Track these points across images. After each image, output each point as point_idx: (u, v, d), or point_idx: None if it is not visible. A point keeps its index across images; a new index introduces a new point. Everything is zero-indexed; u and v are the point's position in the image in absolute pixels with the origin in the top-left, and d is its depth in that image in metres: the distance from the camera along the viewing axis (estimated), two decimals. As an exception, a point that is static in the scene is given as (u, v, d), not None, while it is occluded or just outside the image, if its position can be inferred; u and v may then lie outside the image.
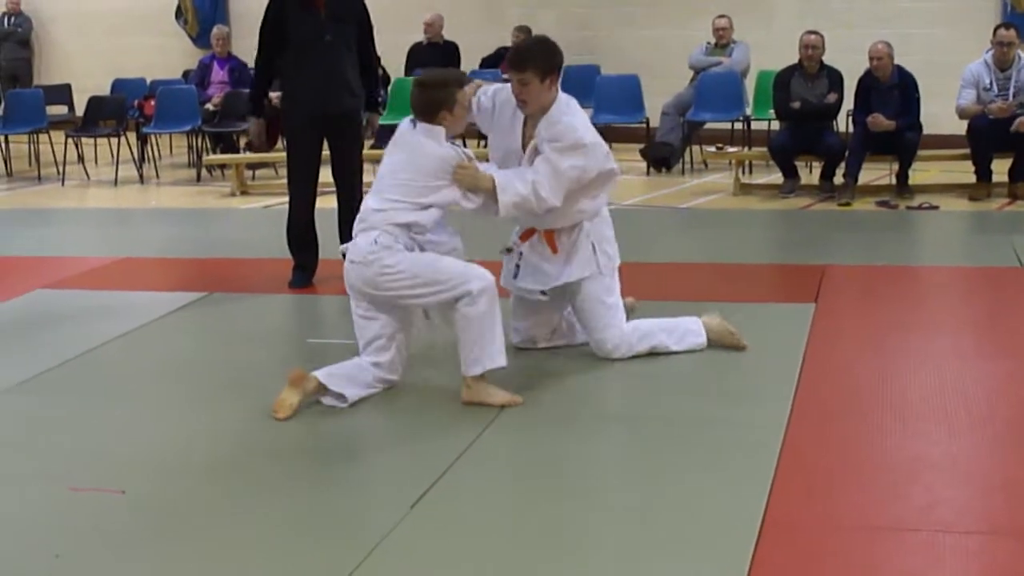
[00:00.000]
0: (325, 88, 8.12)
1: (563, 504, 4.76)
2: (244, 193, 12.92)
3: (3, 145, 15.24)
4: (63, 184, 14.38)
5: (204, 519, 4.74)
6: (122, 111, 14.94)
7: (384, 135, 14.56)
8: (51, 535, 4.61)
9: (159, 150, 15.60)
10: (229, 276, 8.99)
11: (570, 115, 6.18)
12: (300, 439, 5.55)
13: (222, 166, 14.26)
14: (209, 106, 14.68)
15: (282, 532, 4.59)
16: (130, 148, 14.58)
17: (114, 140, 14.76)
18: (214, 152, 14.81)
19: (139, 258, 9.75)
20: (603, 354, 6.42)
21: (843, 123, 12.61)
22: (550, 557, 4.32)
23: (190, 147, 15.25)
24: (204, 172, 14.42)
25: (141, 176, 14.43)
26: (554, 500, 4.80)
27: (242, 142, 14.75)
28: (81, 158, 15.00)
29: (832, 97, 11.83)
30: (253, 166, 14.03)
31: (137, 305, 8.10)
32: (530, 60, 6.09)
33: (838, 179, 11.72)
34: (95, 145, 15.81)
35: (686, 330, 6.57)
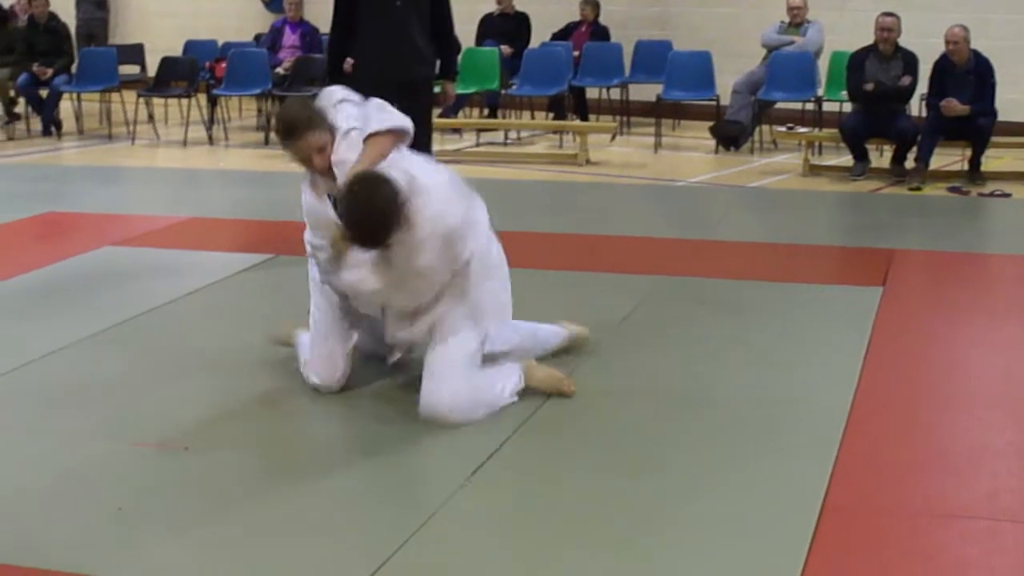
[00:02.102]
0: (394, 55, 8.09)
1: (623, 481, 4.74)
2: (312, 158, 12.90)
3: (75, 103, 15.34)
4: (133, 143, 14.47)
5: (263, 482, 4.77)
6: (193, 72, 14.98)
7: (458, 103, 14.66)
8: (114, 489, 4.65)
9: (228, 112, 15.68)
10: (295, 239, 8.99)
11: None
12: (359, 406, 5.56)
13: (291, 130, 14.26)
14: (279, 70, 14.71)
15: (340, 500, 4.61)
16: (200, 110, 14.64)
17: (184, 101, 14.81)
18: (284, 116, 14.81)
19: (206, 218, 9.79)
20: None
21: (916, 107, 12.49)
22: (608, 534, 4.31)
23: (259, 110, 15.32)
24: (272, 136, 14.47)
25: (210, 138, 14.50)
26: (614, 477, 4.79)
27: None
28: (151, 118, 15.08)
29: (906, 80, 11.71)
30: (322, 131, 14.01)
31: (204, 265, 8.14)
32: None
33: (909, 163, 11.62)
34: (166, 106, 15.90)
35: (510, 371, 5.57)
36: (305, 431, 5.30)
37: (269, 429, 5.30)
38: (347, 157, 5.34)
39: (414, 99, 7.95)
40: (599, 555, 4.15)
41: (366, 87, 8.15)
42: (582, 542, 4.25)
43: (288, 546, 4.23)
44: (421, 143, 8.15)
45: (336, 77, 8.39)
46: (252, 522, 4.40)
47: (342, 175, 5.28)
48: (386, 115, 5.56)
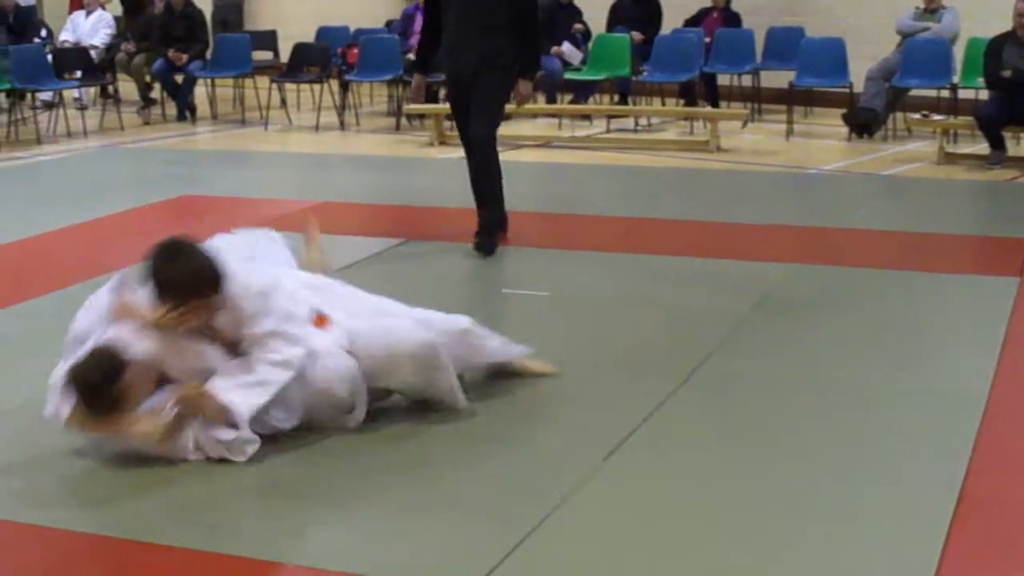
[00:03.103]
0: (460, 47, 7.98)
1: (759, 468, 4.71)
2: (443, 143, 12.98)
3: (210, 88, 15.54)
4: (266, 128, 14.64)
5: (411, 466, 4.82)
6: (326, 58, 15.11)
7: (588, 90, 14.64)
8: (269, 471, 4.71)
9: (360, 98, 15.80)
10: (426, 224, 9.07)
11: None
12: (500, 392, 5.58)
13: (421, 116, 14.38)
14: (411, 56, 14.76)
15: (474, 482, 4.63)
16: (332, 95, 14.76)
17: (317, 87, 14.94)
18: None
19: (338, 203, 9.87)
20: None
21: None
22: (745, 521, 4.29)
23: (391, 96, 15.42)
24: (404, 121, 14.57)
25: (342, 123, 14.62)
26: (749, 464, 4.76)
27: (441, 93, 14.84)
28: (284, 103, 15.24)
29: (1045, 67, 11.50)
30: (452, 116, 14.08)
31: (336, 249, 8.18)
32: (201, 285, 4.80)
33: (1047, 152, 11.43)
34: (298, 91, 16.06)
35: None
36: (446, 417, 5.30)
37: (407, 414, 5.33)
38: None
39: (474, 94, 7.94)
40: (738, 544, 4.12)
41: (445, 77, 8.29)
42: (719, 532, 4.22)
43: (434, 524, 4.28)
44: (473, 142, 8.13)
45: (420, 66, 8.66)
46: (402, 503, 4.45)
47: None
48: None
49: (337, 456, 4.82)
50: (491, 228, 8.11)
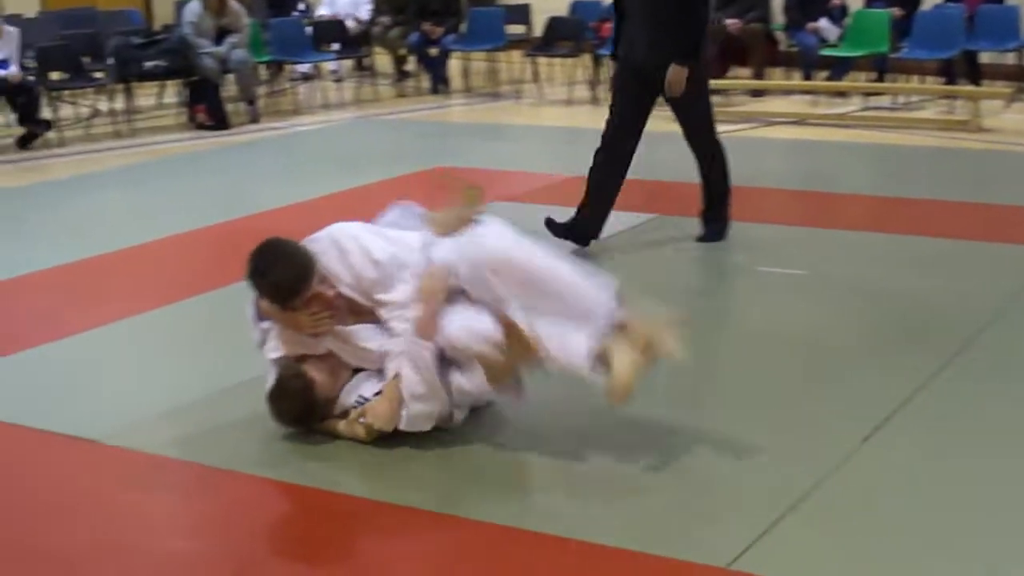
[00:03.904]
0: (628, 41, 7.58)
1: (1013, 460, 4.57)
2: (695, 119, 12.85)
3: (464, 61, 15.69)
4: (518, 101, 14.73)
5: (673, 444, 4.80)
6: (579, 33, 15.12)
7: (844, 66, 14.37)
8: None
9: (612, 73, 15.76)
10: (677, 200, 9.02)
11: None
12: (755, 364, 5.53)
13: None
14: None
15: (731, 460, 4.59)
16: (585, 70, 14.77)
17: (569, 61, 14.97)
18: (667, 77, 14.82)
19: (590, 177, 9.88)
20: None
21: None
22: (1009, 504, 4.17)
23: (643, 71, 15.34)
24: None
25: (594, 98, 14.63)
26: (1007, 454, 4.62)
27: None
28: (537, 77, 15.31)
29: None
30: (705, 93, 13.99)
31: (588, 223, 8.22)
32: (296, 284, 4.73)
33: None
34: (551, 65, 16.10)
35: None
36: (707, 386, 5.28)
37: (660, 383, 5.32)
38: None
39: (644, 87, 7.54)
40: (1000, 533, 4.02)
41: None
42: (986, 522, 4.11)
43: (683, 502, 4.26)
44: (688, 136, 7.85)
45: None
46: (650, 479, 4.43)
47: None
48: None
49: (571, 436, 4.84)
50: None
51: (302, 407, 4.77)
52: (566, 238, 7.58)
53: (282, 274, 4.68)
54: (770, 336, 5.92)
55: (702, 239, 7.80)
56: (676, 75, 7.30)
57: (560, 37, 15.16)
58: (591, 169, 7.78)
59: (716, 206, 7.90)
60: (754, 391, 5.25)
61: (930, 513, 4.14)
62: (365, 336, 4.78)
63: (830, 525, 4.06)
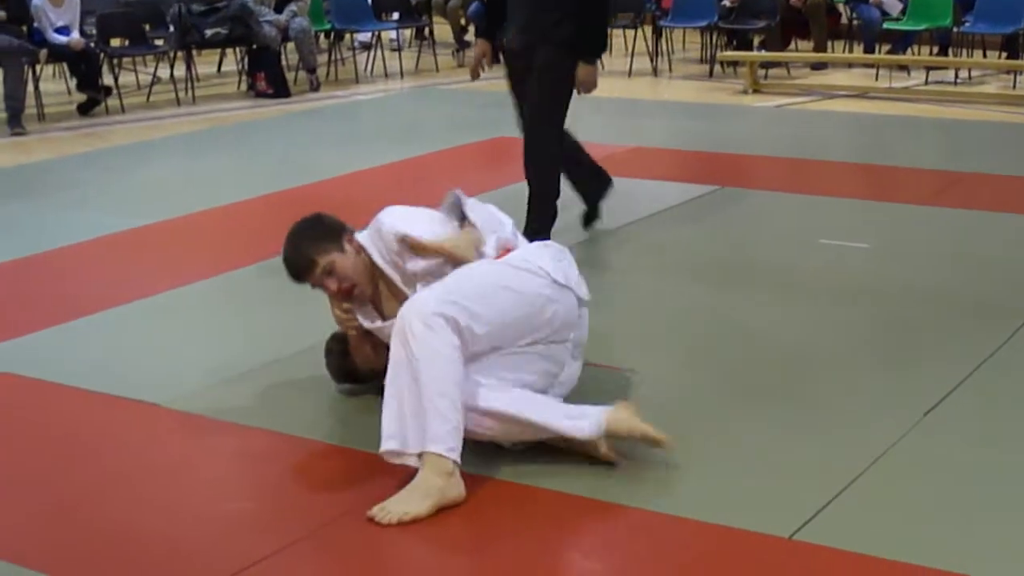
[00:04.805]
0: (510, 18, 6.82)
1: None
2: (756, 91, 12.80)
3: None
4: (578, 72, 14.69)
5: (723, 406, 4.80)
6: (640, 4, 15.07)
7: (907, 40, 14.24)
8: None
9: (673, 44, 15.72)
10: (739, 172, 8.99)
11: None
12: (815, 336, 5.52)
13: (735, 63, 14.26)
14: (726, 2, 14.63)
15: (793, 432, 4.57)
16: (646, 41, 14.73)
17: (630, 32, 14.92)
18: (728, 49, 14.78)
19: (650, 148, 9.87)
20: None
21: None
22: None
23: (704, 43, 15.29)
24: (717, 68, 14.44)
25: (655, 69, 14.59)
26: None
27: (756, 41, 14.68)
28: (597, 48, 15.24)
29: None
30: (767, 64, 13.95)
31: (649, 194, 8.22)
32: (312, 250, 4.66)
33: None
34: (611, 36, 16.01)
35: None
36: (758, 360, 5.26)
37: (708, 348, 5.30)
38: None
39: (527, 74, 6.77)
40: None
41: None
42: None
43: (750, 471, 4.25)
44: (526, 128, 6.90)
45: (484, 30, 7.27)
46: (706, 445, 4.44)
47: None
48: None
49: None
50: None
51: (337, 369, 4.95)
52: (596, 211, 7.36)
53: (289, 255, 4.68)
54: (830, 309, 5.88)
55: None
56: (585, 73, 6.62)
57: (620, 9, 15.10)
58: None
59: (534, 209, 6.90)
60: (814, 363, 5.22)
61: (992, 487, 4.11)
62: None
63: (892, 498, 4.04)
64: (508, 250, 4.63)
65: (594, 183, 7.35)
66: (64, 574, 3.70)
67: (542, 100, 6.74)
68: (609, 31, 6.58)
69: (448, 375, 4.05)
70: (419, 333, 4.07)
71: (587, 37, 6.60)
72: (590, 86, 6.69)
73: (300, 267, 4.65)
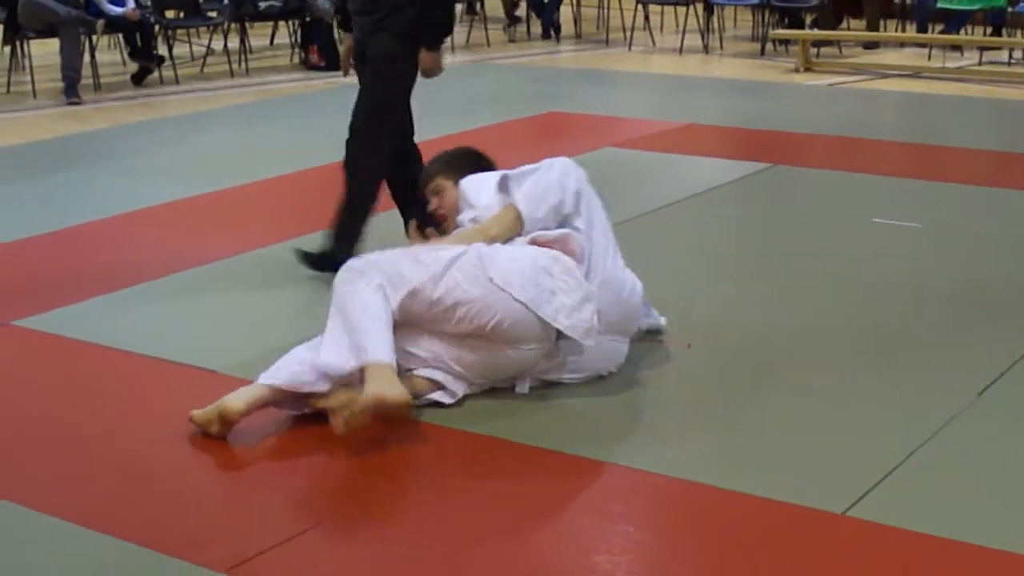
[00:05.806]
0: (352, 19, 6.35)
1: None
2: (808, 69, 12.75)
3: (574, 7, 15.66)
4: (629, 49, 14.69)
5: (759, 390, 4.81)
6: (691, -19, 15.05)
7: (960, 19, 14.14)
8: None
9: (724, 22, 15.68)
10: (793, 150, 8.98)
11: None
12: (869, 315, 5.52)
13: (787, 41, 14.23)
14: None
15: (846, 410, 4.57)
16: (697, 18, 14.70)
17: (682, 9, 14.89)
18: (779, 27, 14.72)
19: (701, 125, 9.86)
20: None
21: None
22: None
23: (756, 21, 15.24)
24: (768, 46, 14.39)
25: (706, 46, 14.55)
26: None
27: (808, 19, 14.62)
28: (648, 24, 15.23)
29: None
30: (818, 43, 13.89)
31: (701, 170, 8.22)
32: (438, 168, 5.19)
33: None
34: (662, 13, 16.03)
35: None
36: (808, 344, 5.27)
37: (761, 326, 5.31)
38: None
39: (367, 70, 6.33)
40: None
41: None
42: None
43: (804, 449, 4.26)
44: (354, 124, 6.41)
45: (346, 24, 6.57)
46: (779, 427, 4.45)
47: None
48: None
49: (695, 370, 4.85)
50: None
51: None
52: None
53: (427, 164, 5.37)
54: (885, 288, 5.88)
55: (305, 258, 6.15)
56: (429, 60, 6.14)
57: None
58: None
59: (342, 220, 6.21)
60: (869, 342, 5.22)
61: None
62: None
63: (945, 476, 4.04)
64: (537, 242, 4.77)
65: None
66: (129, 534, 3.73)
67: (364, 101, 6.29)
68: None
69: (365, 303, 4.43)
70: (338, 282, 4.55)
71: (430, 23, 6.09)
72: (436, 72, 6.26)
73: (424, 175, 5.24)
